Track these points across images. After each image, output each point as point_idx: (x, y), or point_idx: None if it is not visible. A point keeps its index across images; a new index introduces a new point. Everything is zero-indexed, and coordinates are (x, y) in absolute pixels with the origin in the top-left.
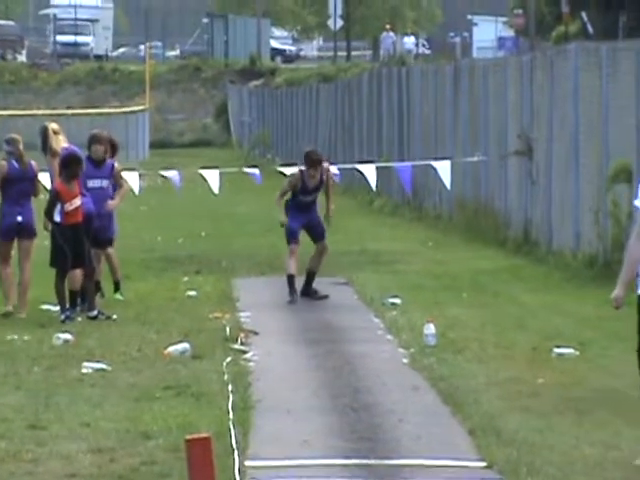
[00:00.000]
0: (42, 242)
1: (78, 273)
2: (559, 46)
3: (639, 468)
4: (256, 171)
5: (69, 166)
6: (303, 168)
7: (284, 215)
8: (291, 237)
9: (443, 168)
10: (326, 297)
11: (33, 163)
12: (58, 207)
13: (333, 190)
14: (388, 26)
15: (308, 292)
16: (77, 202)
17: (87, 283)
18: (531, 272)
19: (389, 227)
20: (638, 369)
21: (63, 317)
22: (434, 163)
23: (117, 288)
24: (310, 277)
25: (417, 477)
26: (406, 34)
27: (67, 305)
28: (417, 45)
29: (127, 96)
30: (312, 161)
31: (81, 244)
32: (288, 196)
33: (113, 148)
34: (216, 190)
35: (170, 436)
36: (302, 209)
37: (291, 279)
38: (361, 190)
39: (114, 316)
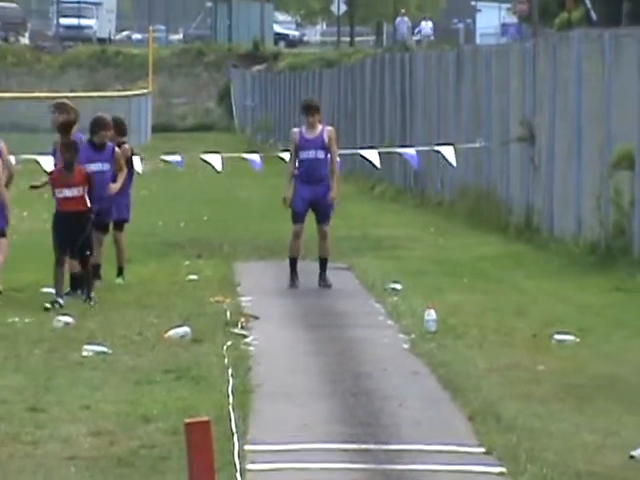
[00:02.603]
0: (43, 225)
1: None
2: (562, 33)
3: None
4: (256, 158)
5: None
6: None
7: (289, 189)
8: (296, 217)
9: (447, 151)
10: (329, 286)
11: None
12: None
13: (335, 175)
14: (403, 10)
15: (323, 278)
16: (67, 192)
17: (82, 272)
18: (532, 258)
19: (391, 213)
20: None
21: (49, 303)
22: (437, 147)
23: (120, 273)
24: (322, 264)
25: (416, 462)
26: (423, 19)
27: (61, 291)
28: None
29: (130, 80)
30: (307, 107)
31: (72, 234)
32: (294, 170)
33: (120, 128)
34: (219, 168)
35: (170, 419)
36: (309, 179)
37: (293, 262)
38: (363, 176)
39: (92, 302)
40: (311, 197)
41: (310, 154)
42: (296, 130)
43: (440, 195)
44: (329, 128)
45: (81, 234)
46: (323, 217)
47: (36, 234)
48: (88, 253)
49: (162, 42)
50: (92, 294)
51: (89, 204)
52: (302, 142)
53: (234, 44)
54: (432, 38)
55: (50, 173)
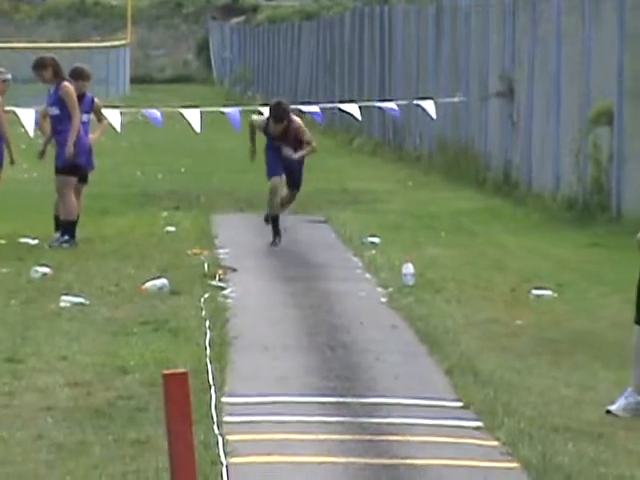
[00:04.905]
0: (22, 175)
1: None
2: None
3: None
4: (236, 115)
5: None
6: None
7: (251, 149)
8: (272, 170)
9: (427, 105)
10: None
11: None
12: None
13: (308, 148)
14: None
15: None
16: None
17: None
18: (510, 213)
19: (369, 167)
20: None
21: None
22: (417, 101)
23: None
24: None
25: (393, 416)
26: None
27: None
28: None
29: (109, 31)
30: (276, 116)
31: None
32: (266, 139)
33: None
34: (198, 129)
35: (147, 371)
36: (279, 153)
37: (275, 220)
38: (341, 130)
39: None
40: (283, 164)
41: (277, 144)
42: (262, 123)
43: (418, 149)
44: (296, 125)
45: None
46: (294, 182)
47: (13, 183)
48: None
49: None
50: None
51: None
52: (267, 133)
53: None
54: None
55: None
